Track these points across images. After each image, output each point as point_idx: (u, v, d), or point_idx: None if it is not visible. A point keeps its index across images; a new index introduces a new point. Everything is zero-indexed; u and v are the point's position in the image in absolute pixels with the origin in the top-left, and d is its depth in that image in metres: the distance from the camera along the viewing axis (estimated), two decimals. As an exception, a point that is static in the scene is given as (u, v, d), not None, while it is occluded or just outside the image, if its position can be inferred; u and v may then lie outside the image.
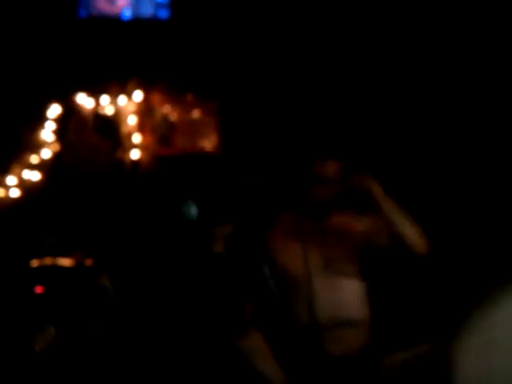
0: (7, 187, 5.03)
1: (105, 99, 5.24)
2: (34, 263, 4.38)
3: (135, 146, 5.20)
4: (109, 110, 5.27)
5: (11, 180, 5.03)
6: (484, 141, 4.62)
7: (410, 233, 2.92)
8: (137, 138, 5.22)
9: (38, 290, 3.98)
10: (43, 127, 5.18)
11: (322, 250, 3.01)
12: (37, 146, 5.13)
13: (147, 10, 5.38)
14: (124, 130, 5.24)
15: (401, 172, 4.55)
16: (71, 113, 5.25)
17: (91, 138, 5.24)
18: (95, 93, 5.24)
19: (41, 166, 5.11)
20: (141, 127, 5.26)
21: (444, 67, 4.86)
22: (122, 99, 5.25)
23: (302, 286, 2.93)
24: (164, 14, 5.37)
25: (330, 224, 3.08)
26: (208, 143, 5.25)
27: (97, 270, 2.59)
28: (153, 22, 5.36)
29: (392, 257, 3.01)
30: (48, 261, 4.43)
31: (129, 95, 5.26)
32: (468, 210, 4.46)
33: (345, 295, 2.95)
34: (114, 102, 5.27)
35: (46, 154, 5.14)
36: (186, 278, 2.54)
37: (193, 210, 2.53)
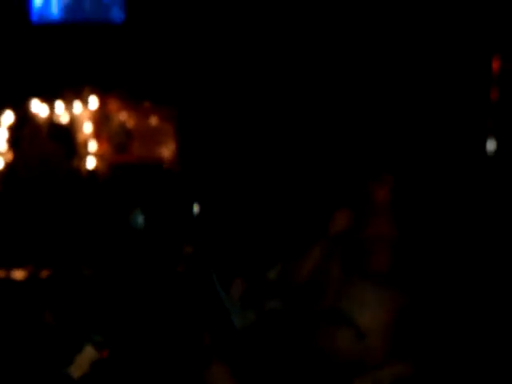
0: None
1: (59, 106, 5.13)
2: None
3: (91, 154, 5.09)
4: (64, 118, 5.16)
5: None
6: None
7: None
8: (93, 146, 5.11)
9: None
10: (-4, 135, 5.06)
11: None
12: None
13: (100, 14, 5.28)
14: (79, 137, 5.14)
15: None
16: (25, 120, 5.13)
17: (46, 146, 5.13)
18: (49, 99, 5.13)
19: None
20: (97, 135, 5.16)
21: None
22: (77, 106, 5.14)
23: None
24: (118, 18, 5.26)
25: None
26: (166, 150, 5.16)
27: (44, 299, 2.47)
28: (107, 26, 5.25)
29: None
30: (1, 273, 4.32)
31: (84, 102, 5.15)
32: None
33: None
34: (69, 108, 5.15)
35: (-1, 163, 5.03)
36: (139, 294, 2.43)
37: (139, 220, 2.43)
